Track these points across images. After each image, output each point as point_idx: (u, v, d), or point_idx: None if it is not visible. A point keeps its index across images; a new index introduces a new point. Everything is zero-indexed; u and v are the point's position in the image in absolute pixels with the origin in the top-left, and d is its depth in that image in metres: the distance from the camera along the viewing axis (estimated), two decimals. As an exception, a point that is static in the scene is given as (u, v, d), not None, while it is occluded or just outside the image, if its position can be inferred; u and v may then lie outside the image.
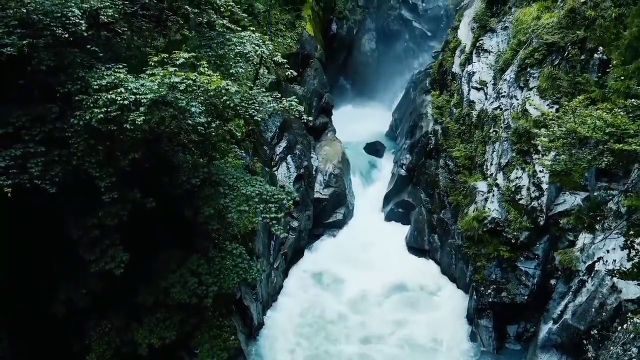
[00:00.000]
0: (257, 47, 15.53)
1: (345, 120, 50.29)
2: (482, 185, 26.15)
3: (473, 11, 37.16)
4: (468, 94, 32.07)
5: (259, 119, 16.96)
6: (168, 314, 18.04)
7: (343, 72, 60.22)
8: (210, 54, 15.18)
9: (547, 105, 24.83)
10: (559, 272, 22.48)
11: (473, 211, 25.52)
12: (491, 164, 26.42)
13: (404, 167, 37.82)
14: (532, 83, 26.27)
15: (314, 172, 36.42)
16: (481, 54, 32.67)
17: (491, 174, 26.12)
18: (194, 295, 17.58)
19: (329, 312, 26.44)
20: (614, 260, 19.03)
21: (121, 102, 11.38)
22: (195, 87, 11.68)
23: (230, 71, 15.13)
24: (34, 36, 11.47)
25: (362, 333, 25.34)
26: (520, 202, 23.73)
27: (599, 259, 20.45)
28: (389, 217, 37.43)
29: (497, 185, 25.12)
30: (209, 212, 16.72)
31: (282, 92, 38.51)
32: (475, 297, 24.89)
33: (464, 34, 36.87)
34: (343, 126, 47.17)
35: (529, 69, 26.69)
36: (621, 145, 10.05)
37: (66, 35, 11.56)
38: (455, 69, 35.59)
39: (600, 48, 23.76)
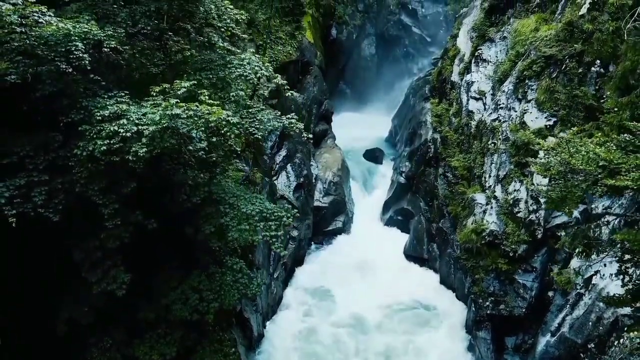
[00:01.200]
0: (257, 69, 15.71)
1: (345, 125, 50.50)
2: (480, 198, 26.33)
3: (472, 19, 37.33)
4: (467, 103, 32.23)
5: (259, 137, 17.13)
6: (169, 330, 18.22)
7: (343, 77, 60.51)
8: (210, 76, 15.37)
9: (545, 118, 25.06)
10: (557, 285, 22.66)
11: (471, 223, 25.71)
12: (489, 176, 26.59)
13: (403, 174, 38.02)
14: (530, 95, 26.43)
15: (313, 180, 36.62)
16: (480, 64, 32.81)
17: (490, 186, 26.30)
18: (195, 312, 17.76)
19: (326, 332, 26.36)
20: (611, 275, 19.21)
21: (124, 134, 11.59)
22: (196, 118, 11.87)
23: (231, 94, 15.33)
24: (37, 64, 11.65)
25: (359, 351, 25.38)
26: (518, 215, 23.91)
27: (596, 272, 20.64)
28: (388, 225, 37.65)
29: (495, 197, 25.30)
30: (209, 231, 16.90)
31: (282, 100, 38.92)
32: (473, 308, 25.08)
33: (463, 42, 37.04)
34: (343, 131, 47.37)
35: (527, 81, 26.86)
36: (613, 181, 10.24)
37: (70, 70, 11.75)
38: (454, 77, 35.76)
39: (598, 61, 23.93)
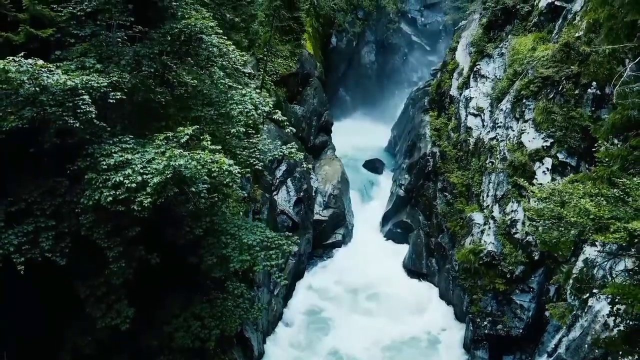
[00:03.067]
0: (258, 104, 16.01)
1: (345, 132, 50.74)
2: (478, 217, 26.65)
3: (470, 33, 37.64)
4: (465, 119, 32.54)
5: (260, 168, 17.43)
6: (171, 357, 18.52)
7: (343, 84, 60.82)
8: (212, 112, 15.68)
9: (542, 138, 25.38)
10: (554, 305, 22.99)
11: (469, 243, 26.03)
12: (487, 195, 26.91)
13: (402, 187, 38.33)
14: (528, 115, 26.73)
15: (313, 194, 36.88)
16: (478, 79, 33.11)
17: (487, 206, 26.61)
18: (197, 339, 18.04)
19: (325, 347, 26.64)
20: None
21: (129, 184, 11.91)
22: (199, 167, 12.18)
23: (232, 130, 15.65)
24: (45, 118, 11.95)
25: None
26: (516, 236, 24.24)
27: (593, 294, 20.97)
28: (387, 237, 37.96)
29: (493, 217, 25.62)
30: (212, 262, 17.19)
31: (283, 113, 39.14)
32: (471, 327, 25.39)
33: (462, 56, 37.33)
34: (342, 139, 47.64)
35: (524, 100, 27.15)
36: (603, 237, 10.55)
37: (77, 125, 12.05)
38: (453, 92, 36.05)
39: (594, 83, 24.25)
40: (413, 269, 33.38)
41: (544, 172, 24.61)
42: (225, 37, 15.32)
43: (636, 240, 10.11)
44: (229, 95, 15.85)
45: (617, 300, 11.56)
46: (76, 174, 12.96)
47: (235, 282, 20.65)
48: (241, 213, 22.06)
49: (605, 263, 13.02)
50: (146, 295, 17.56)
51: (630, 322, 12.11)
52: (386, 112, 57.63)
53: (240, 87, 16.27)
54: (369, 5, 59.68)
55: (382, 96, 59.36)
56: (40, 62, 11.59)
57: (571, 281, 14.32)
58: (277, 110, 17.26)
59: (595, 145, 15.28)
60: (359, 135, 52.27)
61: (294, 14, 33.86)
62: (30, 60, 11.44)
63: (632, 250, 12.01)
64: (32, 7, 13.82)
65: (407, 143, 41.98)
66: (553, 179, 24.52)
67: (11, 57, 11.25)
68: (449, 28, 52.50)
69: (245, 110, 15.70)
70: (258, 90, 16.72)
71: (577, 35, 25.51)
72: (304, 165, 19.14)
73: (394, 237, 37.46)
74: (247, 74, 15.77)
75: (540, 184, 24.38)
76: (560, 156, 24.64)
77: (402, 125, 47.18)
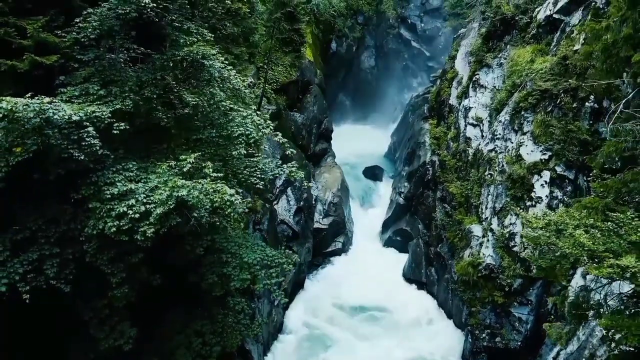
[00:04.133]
0: (259, 125, 16.22)
1: (345, 137, 50.92)
2: (477, 230, 26.85)
3: (470, 42, 37.84)
4: (465, 129, 32.74)
5: (261, 187, 17.63)
6: (173, 373, 18.72)
7: (343, 89, 60.99)
8: (213, 134, 15.88)
9: (541, 151, 25.57)
10: (552, 317, 23.19)
11: (468, 256, 26.24)
12: (486, 208, 27.10)
13: (402, 195, 38.55)
14: (526, 127, 26.94)
15: (313, 202, 37.06)
16: (477, 89, 33.31)
17: (486, 218, 26.81)
18: (198, 356, 18.24)
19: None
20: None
21: (132, 215, 12.12)
22: (202, 197, 12.39)
23: (233, 153, 15.85)
24: (49, 150, 12.15)
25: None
26: (514, 249, 24.43)
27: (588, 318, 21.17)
28: (387, 245, 38.24)
29: (491, 230, 25.81)
30: (212, 280, 17.38)
31: (283, 121, 39.39)
32: (470, 339, 25.59)
33: (461, 65, 37.53)
34: (342, 144, 47.83)
35: (523, 113, 27.36)
36: (597, 271, 10.76)
37: (82, 157, 12.26)
38: (453, 101, 36.26)
39: (592, 97, 24.45)
40: (412, 278, 33.59)
41: (542, 185, 24.80)
42: (227, 62, 15.46)
43: (629, 273, 10.33)
44: (230, 117, 16.03)
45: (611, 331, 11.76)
46: (80, 201, 13.16)
47: (237, 296, 20.80)
48: (242, 225, 22.28)
49: (600, 289, 13.20)
50: (147, 313, 17.74)
51: (625, 349, 12.32)
52: (386, 116, 57.85)
53: (241, 109, 16.43)
54: (369, 10, 59.86)
55: (382, 101, 59.56)
56: (47, 99, 11.77)
57: (567, 304, 14.50)
58: (277, 133, 17.41)
59: (591, 175, 15.48)
60: (358, 140, 52.44)
61: (295, 25, 34.02)
62: (37, 100, 11.61)
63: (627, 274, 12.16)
64: (36, 34, 14.01)
65: (407, 150, 42.19)
66: (551, 192, 24.77)
67: (18, 100, 11.41)
68: (449, 35, 52.67)
69: (247, 132, 15.89)
70: (259, 112, 16.86)
71: (575, 48, 25.69)
72: (305, 184, 19.23)
73: (393, 244, 37.72)
74: (247, 90, 15.86)
75: (540, 196, 24.96)
76: (559, 169, 24.82)
77: (402, 132, 47.38)
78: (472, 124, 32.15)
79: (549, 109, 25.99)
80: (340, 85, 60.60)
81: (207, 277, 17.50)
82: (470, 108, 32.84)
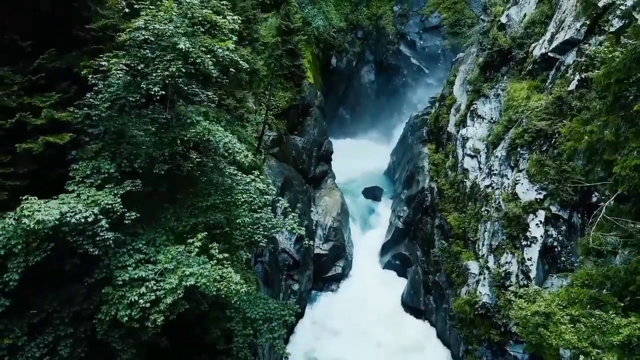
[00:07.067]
0: (262, 192, 16.89)
1: (345, 152, 51.47)
2: (474, 267, 27.48)
3: (468, 67, 38.40)
4: (462, 159, 33.34)
5: (264, 245, 18.26)
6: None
7: (343, 103, 61.65)
8: (218, 201, 16.50)
9: (536, 190, 26.14)
10: None
11: (465, 293, 26.88)
12: (483, 244, 27.73)
13: (401, 219, 39.19)
14: (522, 165, 27.53)
15: (313, 227, 37.70)
16: (475, 119, 33.90)
17: (483, 255, 27.43)
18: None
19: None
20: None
21: (143, 304, 12.74)
22: (208, 284, 13.01)
23: (237, 221, 16.48)
24: (64, 244, 12.80)
25: None
26: (510, 288, 25.02)
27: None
28: (386, 268, 38.92)
29: (488, 268, 26.44)
30: (216, 334, 18.06)
31: (284, 146, 40.01)
32: (467, 376, 26.31)
33: (459, 92, 38.11)
34: (342, 161, 48.46)
35: (519, 149, 27.92)
36: (582, 362, 11.42)
37: (97, 252, 12.92)
38: (451, 128, 36.86)
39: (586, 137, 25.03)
40: (411, 305, 34.25)
41: (537, 224, 25.38)
42: (232, 136, 16.05)
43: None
44: (234, 184, 16.67)
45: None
46: (94, 283, 13.79)
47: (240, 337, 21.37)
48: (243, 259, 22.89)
49: None
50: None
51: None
52: (385, 132, 58.45)
53: (246, 177, 17.11)
54: (369, 25, 60.52)
55: (381, 116, 60.18)
56: (65, 208, 12.35)
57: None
58: (280, 198, 18.09)
59: (578, 261, 16.06)
60: (358, 156, 52.95)
61: (295, 62, 34.57)
62: (55, 209, 12.20)
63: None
64: (49, 114, 14.62)
65: (406, 173, 42.80)
66: (546, 231, 25.36)
67: (40, 218, 12.02)
68: (448, 53, 53.22)
69: (250, 199, 16.54)
70: (261, 177, 17.49)
71: (569, 89, 26.26)
72: (307, 243, 20.02)
73: (392, 268, 38.40)
74: (250, 158, 16.44)
75: (535, 236, 25.51)
76: (553, 209, 25.40)
77: (401, 152, 47.97)
78: (470, 155, 32.74)
79: (544, 148, 26.57)
80: (340, 99, 61.23)
81: (211, 332, 18.15)
82: (468, 138, 33.42)
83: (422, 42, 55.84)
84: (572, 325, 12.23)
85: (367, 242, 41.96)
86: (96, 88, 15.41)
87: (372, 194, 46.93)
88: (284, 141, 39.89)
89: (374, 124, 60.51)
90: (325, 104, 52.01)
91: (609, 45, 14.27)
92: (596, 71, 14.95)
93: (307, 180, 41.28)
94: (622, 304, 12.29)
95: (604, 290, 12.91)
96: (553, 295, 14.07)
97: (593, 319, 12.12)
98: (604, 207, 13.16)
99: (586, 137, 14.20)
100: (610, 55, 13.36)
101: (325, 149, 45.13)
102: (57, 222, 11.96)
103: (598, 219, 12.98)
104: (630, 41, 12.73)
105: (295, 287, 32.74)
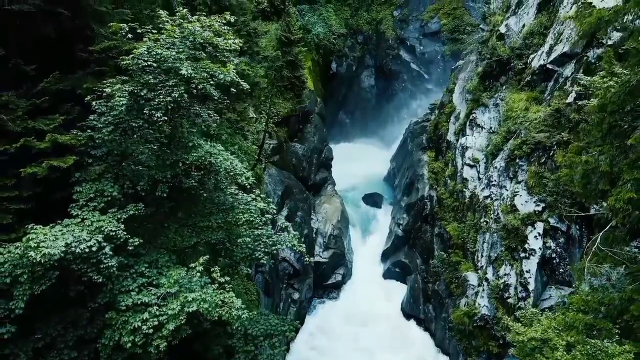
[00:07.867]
0: (263, 211, 17.11)
1: (345, 157, 51.68)
2: (473, 278, 27.67)
3: (467, 75, 38.57)
4: (462, 169, 33.53)
5: (265, 262, 18.48)
6: None
7: (343, 107, 61.85)
8: (219, 221, 16.73)
9: (534, 202, 26.35)
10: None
11: (464, 305, 27.08)
12: (482, 255, 27.93)
13: (401, 227, 39.39)
14: (521, 176, 27.72)
15: (314, 235, 37.87)
16: (474, 128, 34.10)
17: (482, 266, 27.62)
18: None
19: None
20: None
21: (146, 330, 12.95)
22: (210, 309, 13.23)
23: (238, 240, 16.71)
24: (68, 272, 13.00)
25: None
26: (508, 300, 25.25)
27: None
28: (386, 276, 39.06)
29: (486, 279, 26.64)
30: (218, 351, 18.28)
31: (284, 154, 40.20)
32: (466, 387, 26.53)
33: (458, 100, 38.28)
34: (342, 166, 48.67)
35: (517, 161, 28.13)
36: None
37: (101, 280, 13.12)
38: (450, 137, 37.04)
39: (584, 151, 25.21)
40: (410, 313, 34.46)
41: (535, 237, 25.58)
42: (233, 157, 16.27)
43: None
44: (235, 203, 16.88)
45: None
46: (97, 308, 14.01)
47: (241, 354, 21.67)
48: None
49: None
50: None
51: None
52: (385, 136, 58.54)
53: (247, 197, 17.32)
54: (369, 29, 60.65)
55: (381, 121, 60.29)
56: (70, 238, 12.57)
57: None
58: (280, 216, 18.22)
59: (574, 286, 16.28)
60: (358, 161, 53.06)
61: (295, 73, 34.75)
62: (61, 244, 12.41)
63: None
64: (53, 138, 14.82)
65: (406, 180, 42.98)
66: (545, 243, 25.54)
67: (46, 252, 12.21)
68: (447, 59, 53.37)
69: (251, 219, 16.76)
70: (262, 196, 17.73)
71: (567, 101, 26.43)
72: (306, 259, 20.22)
73: (392, 276, 38.57)
74: (251, 180, 16.65)
75: (533, 248, 25.70)
76: (552, 221, 25.59)
77: (401, 159, 48.12)
78: (469, 165, 32.94)
79: (542, 160, 26.77)
80: (341, 104, 61.44)
81: (212, 349, 18.37)
82: (467, 147, 33.61)
83: (421, 48, 56.01)
84: (567, 352, 12.46)
85: (368, 248, 42.13)
86: (99, 110, 15.62)
87: (373, 200, 47.05)
88: (284, 149, 40.14)
89: (373, 128, 60.62)
90: (325, 109, 52.30)
91: (605, 75, 14.45)
92: (592, 100, 15.14)
93: (307, 187, 41.51)
94: (618, 330, 12.50)
95: (600, 315, 13.13)
96: (549, 320, 14.27)
97: (588, 347, 12.36)
98: (599, 237, 13.37)
99: (581, 167, 14.38)
100: (606, 86, 13.56)
101: (325, 156, 45.36)
102: (62, 255, 12.17)
103: (593, 249, 13.19)
104: (625, 71, 12.92)
105: (296, 295, 32.95)
